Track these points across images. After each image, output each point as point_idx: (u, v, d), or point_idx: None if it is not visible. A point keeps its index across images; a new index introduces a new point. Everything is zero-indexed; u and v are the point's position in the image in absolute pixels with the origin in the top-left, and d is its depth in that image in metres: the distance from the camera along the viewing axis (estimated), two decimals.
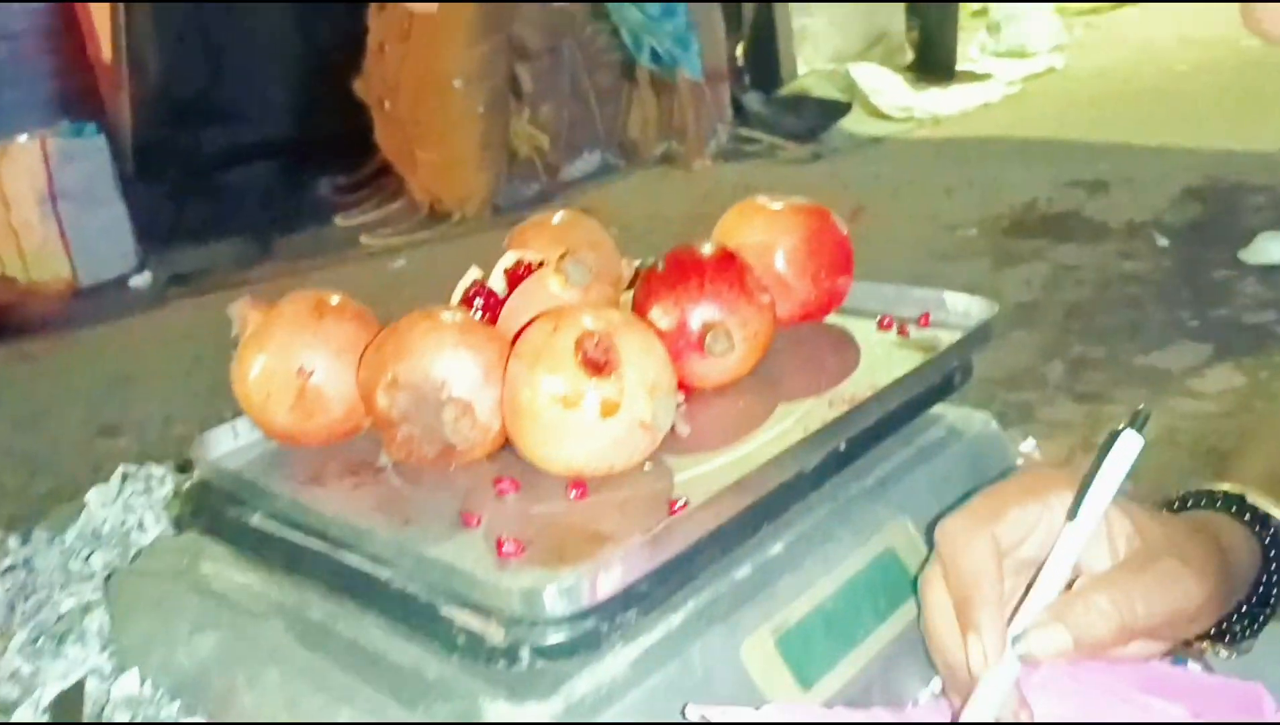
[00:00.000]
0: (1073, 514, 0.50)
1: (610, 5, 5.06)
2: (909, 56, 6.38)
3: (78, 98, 4.77)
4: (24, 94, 4.67)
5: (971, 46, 7.29)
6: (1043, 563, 0.51)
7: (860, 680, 0.55)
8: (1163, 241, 3.37)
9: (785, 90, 6.06)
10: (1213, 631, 0.60)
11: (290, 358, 0.61)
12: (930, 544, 0.61)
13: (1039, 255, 3.42)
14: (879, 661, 0.56)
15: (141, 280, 4.19)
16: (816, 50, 6.60)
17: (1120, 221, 3.58)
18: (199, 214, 4.49)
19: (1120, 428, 0.51)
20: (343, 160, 4.99)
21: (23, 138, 4.13)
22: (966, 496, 0.64)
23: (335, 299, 0.64)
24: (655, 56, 5.16)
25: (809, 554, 0.57)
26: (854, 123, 5.66)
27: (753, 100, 5.79)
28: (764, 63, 6.19)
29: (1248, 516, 0.59)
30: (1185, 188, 3.72)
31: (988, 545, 0.51)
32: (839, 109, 5.73)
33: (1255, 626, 0.60)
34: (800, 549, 0.57)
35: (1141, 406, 0.51)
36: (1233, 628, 0.60)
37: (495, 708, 0.47)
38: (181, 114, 4.71)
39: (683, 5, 5.10)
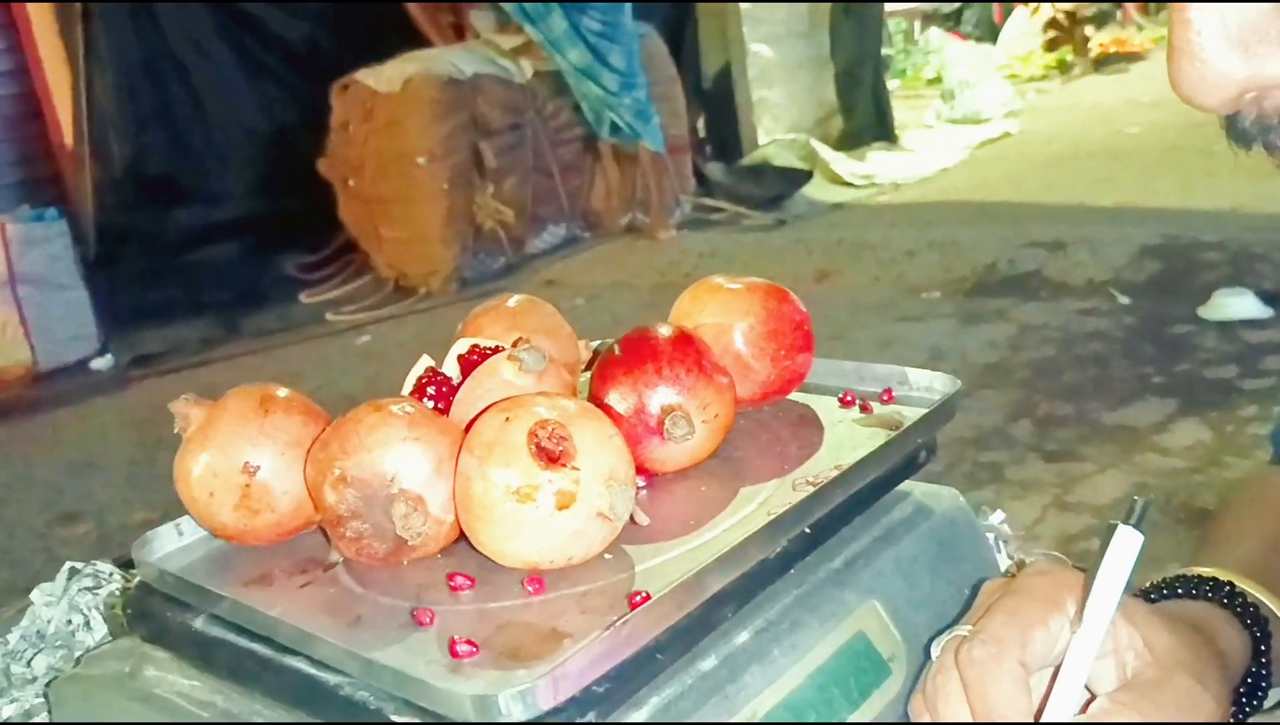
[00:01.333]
0: (1079, 622, 0.49)
1: (571, 81, 5.12)
2: (840, 127, 6.48)
3: (39, 183, 4.76)
4: None
5: (927, 114, 7.44)
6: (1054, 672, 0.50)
7: None
8: (1123, 299, 3.42)
9: (747, 160, 6.16)
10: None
11: (235, 454, 0.59)
12: (900, 628, 0.60)
13: (1002, 315, 3.46)
14: None
15: (103, 363, 4.14)
16: (776, 121, 6.72)
17: (1080, 280, 3.63)
18: (163, 295, 4.47)
19: (1116, 523, 0.50)
20: (307, 238, 5.00)
21: None
22: (937, 578, 0.64)
23: (282, 392, 0.62)
24: (615, 130, 5.22)
25: (776, 643, 0.55)
26: (815, 190, 5.74)
27: (715, 170, 5.88)
28: (725, 133, 6.30)
29: (1238, 607, 0.58)
30: (1142, 246, 3.78)
31: (1018, 676, 0.49)
32: (800, 177, 5.81)
33: (1245, 715, 0.59)
34: (767, 638, 0.56)
35: (1137, 499, 0.50)
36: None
37: None
38: (144, 196, 4.71)
39: (641, 79, 5.18)
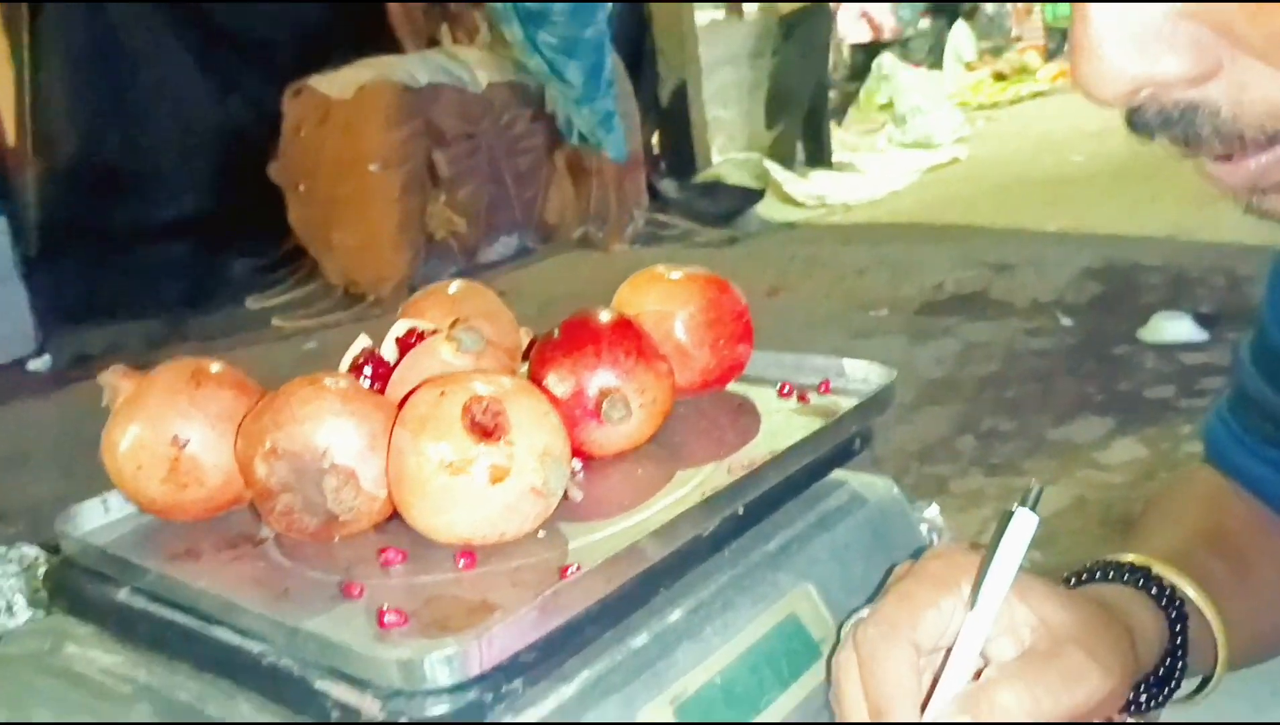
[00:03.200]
0: (973, 602, 0.50)
1: (545, 82, 5.13)
2: (770, 148, 6.50)
3: None
4: None
5: (879, 138, 7.54)
6: (948, 651, 0.51)
7: None
8: (1066, 320, 3.48)
9: (700, 177, 6.19)
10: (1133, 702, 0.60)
11: (164, 427, 0.58)
12: (833, 612, 0.61)
13: (949, 332, 3.50)
14: None
15: (40, 363, 4.06)
16: (730, 139, 6.77)
17: (1026, 301, 3.69)
18: (106, 294, 4.38)
19: (1013, 508, 0.51)
20: (256, 242, 4.93)
21: None
22: (871, 564, 0.65)
23: (214, 367, 0.62)
24: (582, 138, 5.23)
25: (709, 622, 0.56)
26: (768, 209, 5.79)
27: (668, 186, 5.90)
28: (679, 150, 6.33)
29: (1154, 590, 0.59)
30: (1085, 269, 3.85)
31: (906, 657, 0.50)
32: (752, 195, 5.86)
33: (1162, 698, 0.60)
34: (700, 617, 0.56)
35: (1033, 483, 0.51)
36: (1138, 699, 0.60)
37: None
38: (89, 193, 4.62)
39: (606, 90, 5.19)
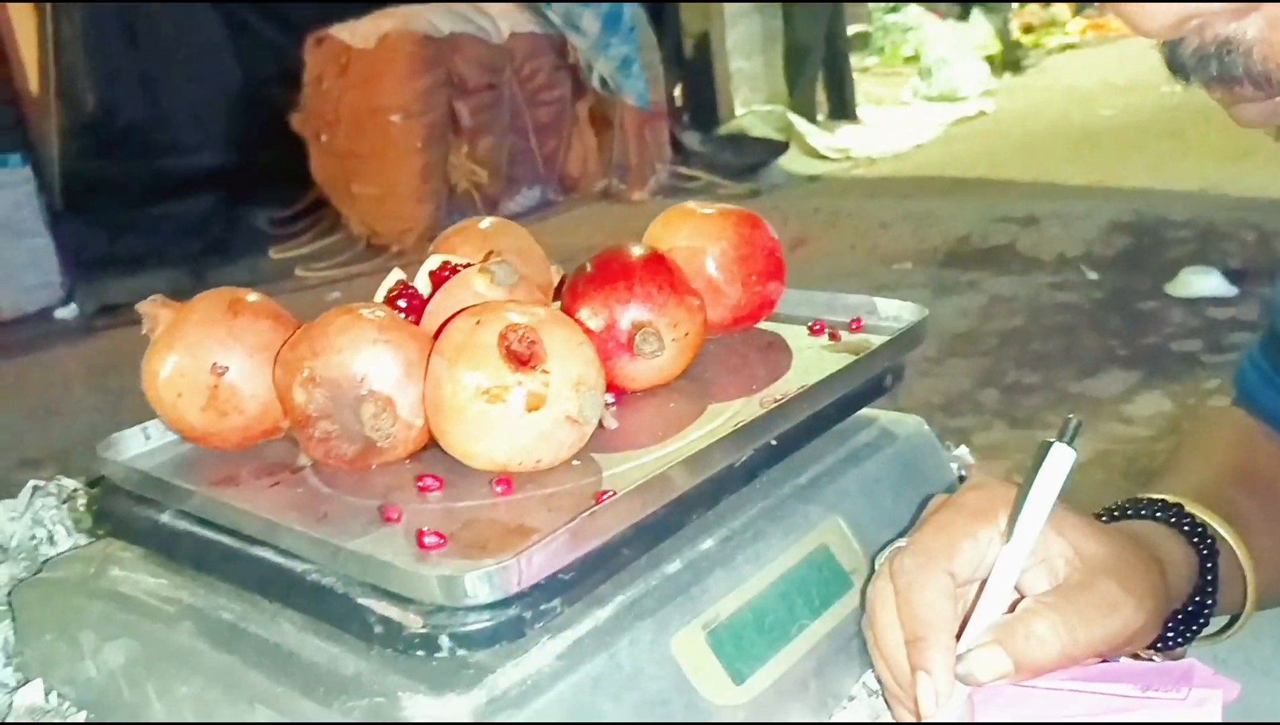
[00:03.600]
0: (1009, 535, 0.50)
1: (565, 31, 5.10)
2: (791, 101, 6.43)
3: (3, 129, 4.66)
4: None
5: (904, 90, 7.45)
6: (983, 583, 0.51)
7: (793, 675, 0.54)
8: (1092, 274, 3.45)
9: (723, 129, 6.14)
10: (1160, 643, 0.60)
11: (203, 356, 0.59)
12: (863, 544, 0.61)
13: (974, 286, 3.48)
14: (812, 657, 0.55)
15: (68, 312, 4.09)
16: (753, 91, 6.71)
17: (1051, 255, 3.66)
18: (130, 245, 4.41)
19: (1051, 441, 0.51)
20: (279, 193, 4.94)
21: None
22: (900, 499, 0.65)
23: (251, 296, 0.62)
24: (604, 83, 5.20)
25: (741, 550, 0.56)
26: (791, 162, 5.74)
27: (691, 139, 5.86)
28: (702, 103, 6.28)
29: (1185, 526, 0.60)
30: (1112, 223, 3.82)
31: (943, 585, 0.50)
32: (776, 148, 5.81)
33: (1189, 634, 0.61)
34: (732, 545, 0.56)
35: (1071, 417, 0.51)
36: (1166, 635, 0.60)
37: (414, 702, 0.45)
38: (113, 145, 4.63)
39: (623, 38, 5.15)
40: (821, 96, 6.55)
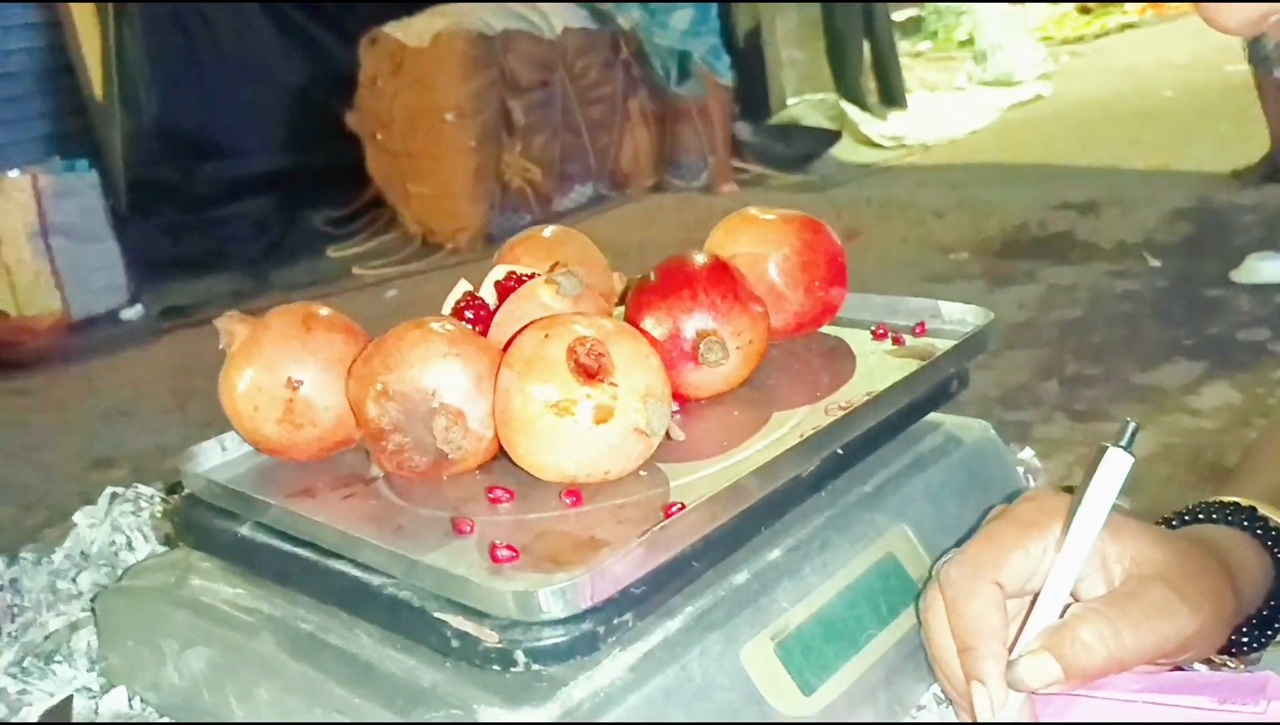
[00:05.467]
0: (1063, 542, 0.50)
1: (640, 35, 5.13)
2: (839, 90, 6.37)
3: (70, 135, 4.79)
4: (17, 132, 4.69)
5: (959, 75, 7.36)
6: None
7: (862, 685, 0.54)
8: (1154, 261, 3.38)
9: (775, 119, 6.11)
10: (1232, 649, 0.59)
11: (278, 370, 0.61)
12: (929, 552, 0.61)
13: (1032, 276, 3.43)
14: (881, 667, 0.55)
15: (134, 313, 4.19)
16: (804, 80, 6.66)
17: (1112, 242, 3.60)
18: (192, 248, 4.50)
19: (1107, 445, 0.50)
20: (336, 193, 5.01)
21: (14, 173, 4.14)
22: (966, 506, 0.65)
23: (324, 311, 0.64)
24: (683, 76, 5.20)
25: (808, 560, 0.57)
26: (844, 151, 5.70)
27: (743, 129, 5.83)
28: (754, 93, 6.24)
29: (1259, 530, 0.59)
30: (1175, 209, 3.74)
31: (991, 596, 0.50)
32: (829, 137, 5.77)
33: (1263, 639, 0.60)
34: (799, 555, 0.57)
35: (1129, 422, 0.50)
36: (1240, 640, 0.59)
37: (490, 713, 0.46)
38: (174, 150, 4.73)
39: (710, 28, 5.17)
40: (871, 84, 6.49)
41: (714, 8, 5.20)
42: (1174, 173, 4.25)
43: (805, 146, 5.70)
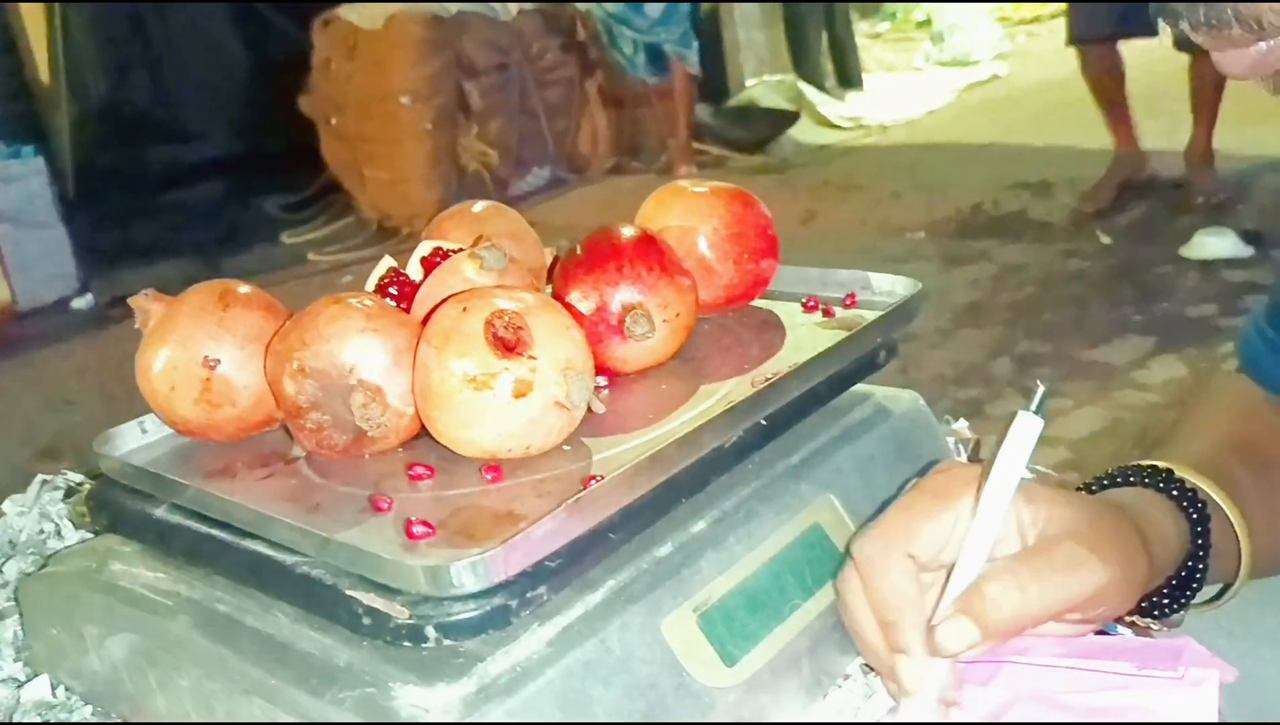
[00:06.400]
0: (976, 510, 0.50)
1: (604, 27, 5.09)
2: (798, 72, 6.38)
3: (14, 120, 4.68)
4: None
5: (916, 56, 7.39)
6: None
7: (785, 656, 0.54)
8: (1106, 239, 3.42)
9: (733, 101, 6.10)
10: (1143, 605, 0.60)
11: (195, 348, 0.59)
12: (856, 522, 0.61)
13: (986, 256, 3.46)
14: (805, 637, 0.55)
15: (83, 302, 4.12)
16: (762, 62, 6.65)
17: (1065, 221, 3.63)
18: (143, 235, 4.43)
19: (1016, 411, 0.50)
20: (290, 178, 4.95)
21: None
22: (894, 476, 0.65)
23: (243, 288, 0.63)
24: (652, 59, 5.16)
25: (732, 531, 0.56)
26: (802, 132, 5.70)
27: (702, 112, 5.82)
28: (712, 75, 6.22)
29: (1175, 492, 0.59)
30: (1127, 187, 3.77)
31: (905, 568, 0.51)
32: (787, 119, 5.77)
33: (1183, 600, 0.60)
34: (723, 527, 0.56)
35: (1039, 384, 0.51)
36: (1160, 602, 0.60)
37: (405, 691, 0.45)
38: (123, 135, 4.64)
39: (682, 14, 5.15)
40: (829, 66, 6.50)
41: (675, 9, 5.17)
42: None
43: (764, 128, 5.69)
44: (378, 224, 4.77)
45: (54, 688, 0.65)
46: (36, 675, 0.66)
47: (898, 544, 0.51)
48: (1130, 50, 3.62)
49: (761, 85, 6.23)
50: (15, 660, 0.70)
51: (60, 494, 0.87)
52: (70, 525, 0.83)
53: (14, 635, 0.71)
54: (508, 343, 0.54)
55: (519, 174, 5.17)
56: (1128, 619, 0.61)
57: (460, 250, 0.66)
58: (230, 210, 4.78)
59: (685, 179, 0.73)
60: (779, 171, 4.98)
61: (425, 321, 0.57)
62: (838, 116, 5.91)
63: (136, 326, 0.62)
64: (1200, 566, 0.59)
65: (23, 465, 2.73)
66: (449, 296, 0.57)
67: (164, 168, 4.67)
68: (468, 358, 0.53)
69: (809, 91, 6.02)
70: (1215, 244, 3.14)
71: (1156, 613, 0.60)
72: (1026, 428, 0.49)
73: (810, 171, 4.90)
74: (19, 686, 0.67)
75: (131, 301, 0.61)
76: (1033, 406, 0.49)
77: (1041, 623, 0.49)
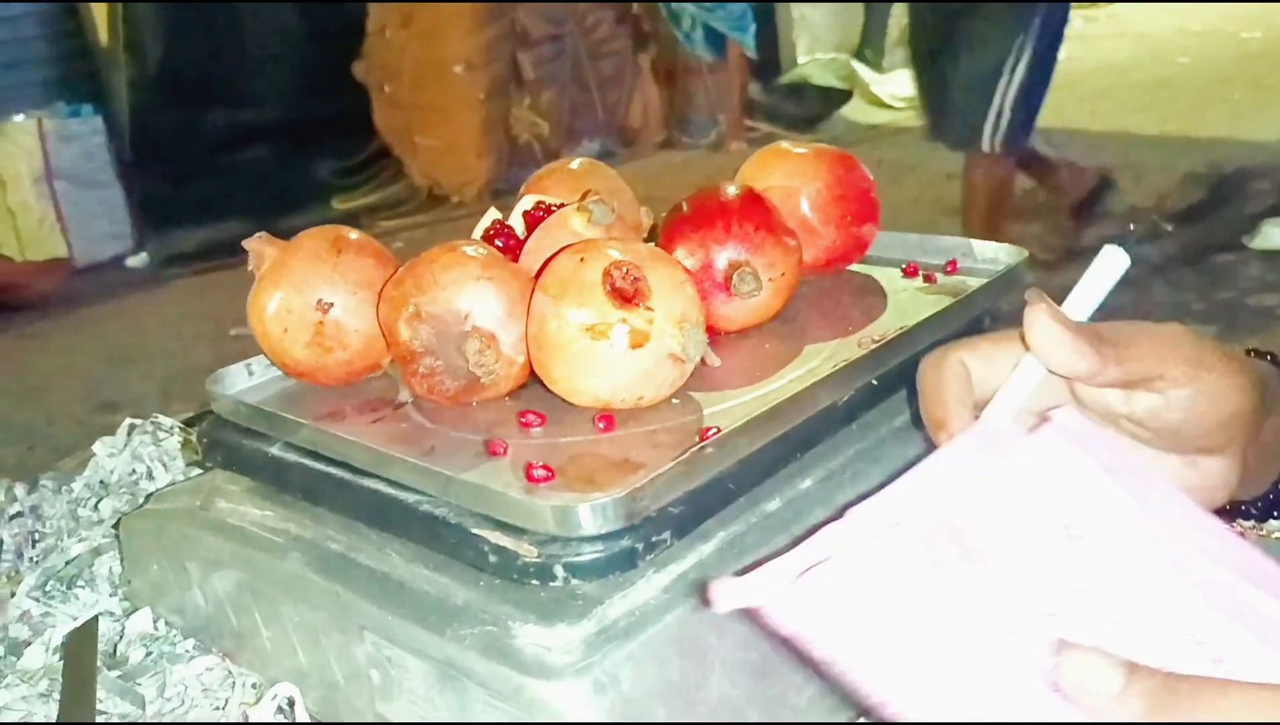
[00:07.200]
0: None
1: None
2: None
3: (75, 80, 4.74)
4: (21, 77, 4.64)
5: None
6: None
7: None
8: (1167, 227, 3.36)
9: (785, 79, 6.04)
10: (1260, 504, 0.55)
11: (308, 292, 0.60)
12: None
13: (1041, 239, 3.41)
14: None
15: (138, 261, 4.18)
16: (816, 39, 6.58)
17: (1124, 207, 3.57)
18: (197, 196, 4.46)
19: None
20: (342, 143, 4.97)
21: (19, 118, 4.11)
22: None
23: (354, 234, 0.63)
24: (710, 38, 5.15)
25: (840, 490, 0.56)
26: (854, 111, 5.65)
27: (753, 89, 5.78)
28: (764, 52, 6.17)
29: None
30: (1188, 174, 3.71)
31: (955, 367, 0.47)
32: (839, 97, 5.72)
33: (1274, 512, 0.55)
34: (831, 485, 0.56)
35: (1132, 226, 0.48)
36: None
37: (525, 630, 0.46)
38: (179, 97, 4.68)
39: None
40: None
41: None
42: (1188, 139, 4.22)
43: (815, 106, 5.64)
44: (428, 192, 4.79)
45: (155, 622, 0.66)
46: (135, 610, 0.68)
47: (954, 352, 0.47)
48: None
49: (814, 63, 6.17)
50: (112, 595, 0.71)
51: (149, 438, 0.89)
52: (161, 467, 0.85)
53: (110, 571, 0.73)
54: (625, 293, 0.54)
55: (569, 145, 5.16)
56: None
57: (562, 205, 0.66)
58: (283, 174, 4.81)
59: (785, 141, 0.73)
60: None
61: (540, 271, 0.57)
62: (890, 96, 5.84)
63: (249, 268, 0.62)
64: None
65: (82, 417, 2.78)
66: (564, 247, 0.57)
67: (219, 130, 4.71)
68: (585, 307, 0.53)
69: (861, 70, 5.95)
70: None
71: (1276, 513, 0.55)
72: (1112, 261, 0.46)
73: (862, 151, 4.82)
74: (117, 620, 0.68)
75: (246, 243, 0.62)
76: (1124, 243, 0.46)
77: (1134, 376, 0.45)
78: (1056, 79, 5.81)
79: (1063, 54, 6.34)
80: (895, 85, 5.96)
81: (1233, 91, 4.68)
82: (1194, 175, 3.70)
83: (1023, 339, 0.46)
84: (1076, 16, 7.79)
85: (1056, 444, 0.42)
